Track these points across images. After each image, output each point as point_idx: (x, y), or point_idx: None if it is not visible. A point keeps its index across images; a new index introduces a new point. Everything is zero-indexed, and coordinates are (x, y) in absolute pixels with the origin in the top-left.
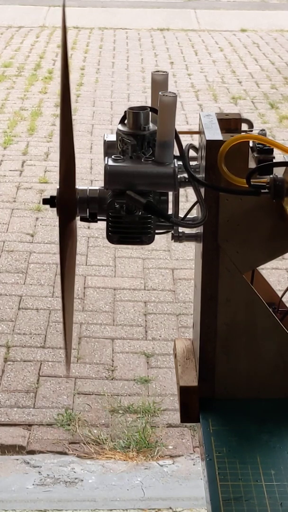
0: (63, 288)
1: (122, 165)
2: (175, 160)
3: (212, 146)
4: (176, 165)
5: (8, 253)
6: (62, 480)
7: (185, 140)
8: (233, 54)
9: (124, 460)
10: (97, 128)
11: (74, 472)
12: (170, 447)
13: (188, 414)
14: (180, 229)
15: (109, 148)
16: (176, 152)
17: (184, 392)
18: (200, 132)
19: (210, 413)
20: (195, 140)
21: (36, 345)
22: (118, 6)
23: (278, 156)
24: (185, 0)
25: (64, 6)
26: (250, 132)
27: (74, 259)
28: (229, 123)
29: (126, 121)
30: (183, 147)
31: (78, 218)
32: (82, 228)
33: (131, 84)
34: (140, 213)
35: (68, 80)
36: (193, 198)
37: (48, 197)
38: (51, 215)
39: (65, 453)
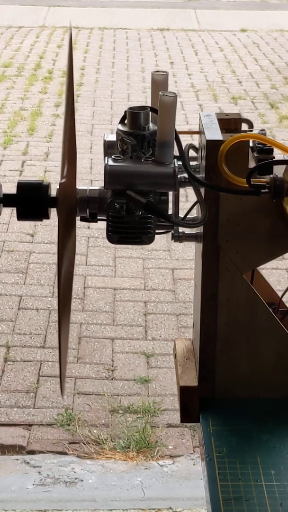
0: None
1: (122, 165)
2: (175, 160)
3: (212, 146)
4: (176, 165)
5: (8, 253)
6: (62, 480)
7: (185, 140)
8: (233, 54)
9: (124, 460)
10: (97, 128)
11: (74, 472)
12: (170, 447)
13: (188, 414)
14: (180, 229)
15: (109, 148)
16: (176, 152)
17: (184, 392)
18: (200, 132)
19: (210, 413)
20: (195, 140)
21: (36, 345)
22: (118, 6)
23: (278, 155)
24: (185, 0)
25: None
26: (250, 132)
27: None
28: (229, 123)
29: (126, 121)
30: (183, 147)
31: (78, 218)
32: (82, 228)
33: (131, 84)
34: (140, 213)
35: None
36: (193, 198)
37: None
38: (51, 215)
39: (65, 453)
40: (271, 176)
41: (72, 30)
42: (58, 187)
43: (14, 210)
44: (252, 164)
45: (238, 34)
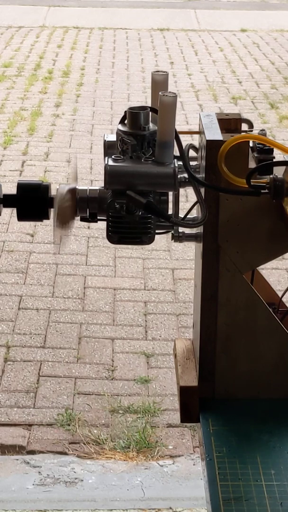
0: None
1: (122, 165)
2: (175, 160)
3: (212, 146)
4: (176, 165)
5: (8, 253)
6: (62, 480)
7: (185, 140)
8: (233, 54)
9: (124, 460)
10: (97, 128)
11: (74, 472)
12: (170, 447)
13: (188, 414)
14: (180, 229)
15: (109, 148)
16: (176, 152)
17: (184, 392)
18: (200, 132)
19: (210, 413)
20: (195, 140)
21: (36, 345)
22: (118, 6)
23: (278, 156)
24: (185, 0)
25: None
26: (250, 132)
27: None
28: (229, 123)
29: (126, 121)
30: (183, 147)
31: (78, 218)
32: (82, 228)
33: (131, 84)
34: (140, 213)
35: None
36: (193, 198)
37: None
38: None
39: (65, 453)
40: (271, 176)
41: (72, 30)
42: (58, 187)
43: (14, 210)
44: (252, 164)
45: (238, 34)
